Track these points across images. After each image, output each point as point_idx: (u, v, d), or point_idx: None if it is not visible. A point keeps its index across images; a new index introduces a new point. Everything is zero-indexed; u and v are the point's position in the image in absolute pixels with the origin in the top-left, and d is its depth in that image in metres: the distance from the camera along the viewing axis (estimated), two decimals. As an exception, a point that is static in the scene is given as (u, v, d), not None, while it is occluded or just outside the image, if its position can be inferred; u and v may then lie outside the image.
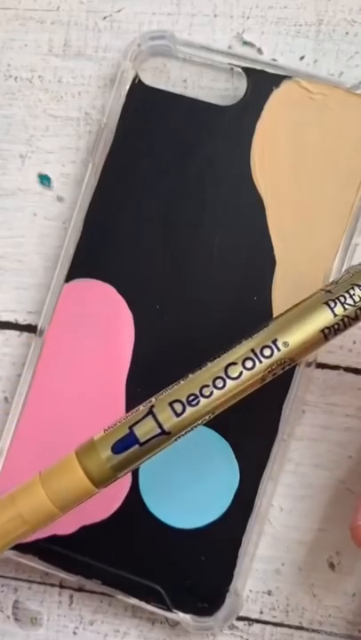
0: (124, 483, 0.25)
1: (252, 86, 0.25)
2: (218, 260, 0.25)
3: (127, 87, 0.26)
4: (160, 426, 0.20)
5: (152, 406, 0.20)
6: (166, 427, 0.20)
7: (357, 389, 0.26)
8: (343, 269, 0.25)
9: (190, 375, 0.20)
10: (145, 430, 0.20)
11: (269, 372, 0.20)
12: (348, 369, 0.26)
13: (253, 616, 0.25)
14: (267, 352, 0.20)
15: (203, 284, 0.25)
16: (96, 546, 0.25)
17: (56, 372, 0.25)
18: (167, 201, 0.25)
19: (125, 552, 0.25)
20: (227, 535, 0.24)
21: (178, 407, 0.19)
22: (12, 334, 0.27)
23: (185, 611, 0.24)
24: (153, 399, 0.20)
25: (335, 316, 0.20)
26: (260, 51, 0.26)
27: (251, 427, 0.25)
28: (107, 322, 0.25)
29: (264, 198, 0.25)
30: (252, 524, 0.24)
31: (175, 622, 0.25)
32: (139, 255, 0.25)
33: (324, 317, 0.20)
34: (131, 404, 0.25)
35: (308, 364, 0.25)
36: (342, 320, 0.20)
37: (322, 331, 0.20)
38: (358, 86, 0.25)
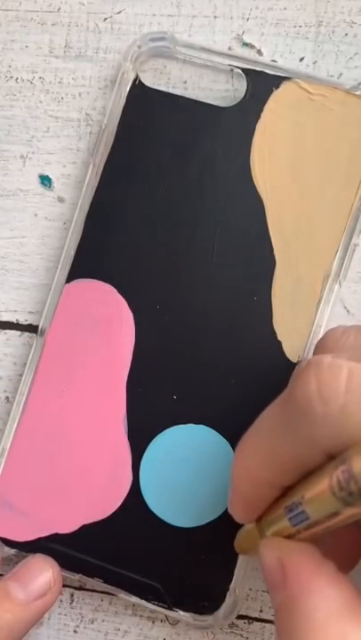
0: (124, 482, 0.25)
1: (252, 87, 0.25)
2: (218, 259, 0.25)
3: (127, 88, 0.26)
4: None
5: None
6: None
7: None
8: (343, 270, 0.25)
9: None
10: None
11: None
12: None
13: (253, 614, 0.26)
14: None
15: (203, 284, 0.25)
16: (97, 544, 0.25)
17: (57, 371, 0.25)
18: (167, 201, 0.26)
19: (126, 550, 0.25)
20: (227, 534, 0.24)
21: None
22: (14, 334, 0.27)
23: (185, 609, 0.25)
24: None
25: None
26: (259, 52, 0.27)
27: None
28: (107, 322, 0.25)
29: (264, 198, 0.25)
30: (252, 523, 0.24)
31: (175, 620, 0.25)
32: (139, 255, 0.25)
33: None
34: (131, 403, 0.25)
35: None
36: None
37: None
38: (358, 87, 0.25)
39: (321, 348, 0.21)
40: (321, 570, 0.19)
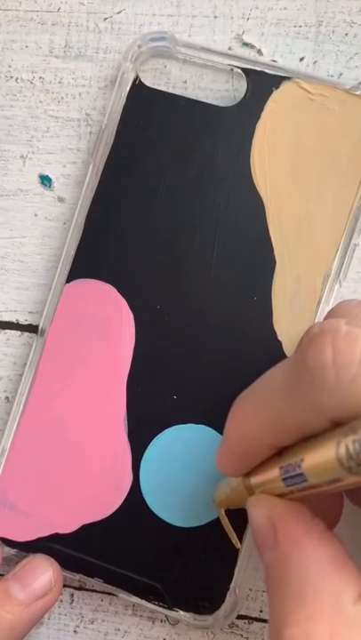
0: (125, 482, 0.25)
1: (252, 87, 0.25)
2: (218, 260, 0.25)
3: (128, 88, 0.26)
4: None
5: None
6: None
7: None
8: (343, 270, 0.25)
9: None
10: None
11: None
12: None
13: (253, 614, 0.26)
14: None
15: (203, 284, 0.25)
16: (97, 544, 0.25)
17: (57, 371, 0.25)
18: (167, 201, 0.25)
19: (126, 550, 0.25)
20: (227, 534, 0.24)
21: None
22: (14, 334, 0.27)
23: (185, 609, 0.25)
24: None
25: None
26: (259, 52, 0.27)
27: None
28: (107, 322, 0.25)
29: (264, 198, 0.25)
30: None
31: (176, 620, 0.25)
32: (139, 255, 0.26)
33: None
34: (131, 403, 0.25)
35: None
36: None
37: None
38: (358, 87, 0.25)
39: (333, 315, 0.21)
40: (312, 529, 0.19)
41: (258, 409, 0.20)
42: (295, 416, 0.18)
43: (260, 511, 0.20)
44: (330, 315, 0.21)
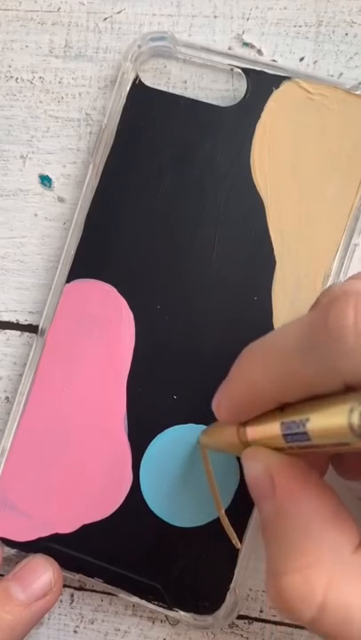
0: (124, 482, 0.25)
1: (252, 87, 0.25)
2: (218, 260, 0.25)
3: (128, 88, 0.26)
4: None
5: None
6: None
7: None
8: (343, 270, 0.25)
9: None
10: None
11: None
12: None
13: (253, 614, 0.26)
14: None
15: (203, 284, 0.25)
16: (97, 544, 0.25)
17: (57, 371, 0.25)
18: (168, 201, 0.25)
19: (126, 551, 0.25)
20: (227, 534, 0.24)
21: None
22: (14, 334, 0.27)
23: (185, 609, 0.25)
24: None
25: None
26: (260, 52, 0.27)
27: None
28: (108, 322, 0.25)
29: (264, 198, 0.25)
30: (253, 523, 0.24)
31: (176, 621, 0.25)
32: (139, 255, 0.26)
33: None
34: (131, 403, 0.25)
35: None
36: None
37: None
38: (358, 87, 0.25)
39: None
40: (309, 480, 0.19)
41: (267, 362, 0.19)
42: (307, 375, 0.18)
43: (257, 463, 0.20)
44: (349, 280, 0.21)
